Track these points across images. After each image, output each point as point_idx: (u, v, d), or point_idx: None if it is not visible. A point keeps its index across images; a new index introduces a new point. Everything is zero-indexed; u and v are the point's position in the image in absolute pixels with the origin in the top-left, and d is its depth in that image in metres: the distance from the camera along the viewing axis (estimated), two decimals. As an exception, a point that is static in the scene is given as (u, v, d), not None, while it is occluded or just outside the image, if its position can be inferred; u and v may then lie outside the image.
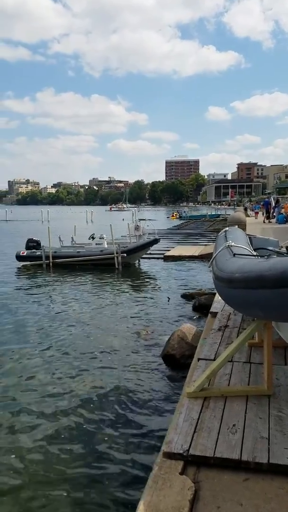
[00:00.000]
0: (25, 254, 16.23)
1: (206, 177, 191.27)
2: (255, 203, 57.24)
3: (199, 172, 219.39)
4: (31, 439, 4.22)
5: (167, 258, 17.64)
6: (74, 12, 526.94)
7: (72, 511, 3.25)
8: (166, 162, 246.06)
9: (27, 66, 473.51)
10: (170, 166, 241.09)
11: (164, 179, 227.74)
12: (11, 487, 3.49)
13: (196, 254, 17.89)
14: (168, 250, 19.36)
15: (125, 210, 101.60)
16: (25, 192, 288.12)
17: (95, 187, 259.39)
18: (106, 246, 16.42)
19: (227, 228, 6.05)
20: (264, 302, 2.88)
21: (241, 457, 2.79)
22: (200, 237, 29.00)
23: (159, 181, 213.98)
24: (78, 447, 4.08)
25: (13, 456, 3.95)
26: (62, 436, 4.29)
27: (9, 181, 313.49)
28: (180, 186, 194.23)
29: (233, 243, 4.32)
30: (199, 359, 4.36)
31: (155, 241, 16.37)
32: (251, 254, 4.21)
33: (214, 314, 5.92)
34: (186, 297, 10.42)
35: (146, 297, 11.03)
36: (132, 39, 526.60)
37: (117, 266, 15.25)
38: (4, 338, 7.53)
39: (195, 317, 8.64)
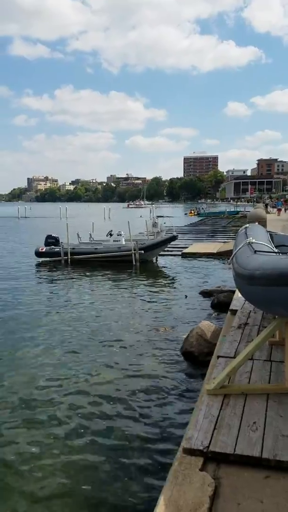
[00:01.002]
0: (44, 250, 16.44)
1: (225, 173, 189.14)
2: (276, 200, 56.28)
3: (218, 168, 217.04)
4: (50, 434, 4.28)
5: (185, 255, 17.58)
6: (93, 9, 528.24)
7: (92, 505, 3.28)
8: (185, 159, 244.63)
9: (45, 64, 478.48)
10: (189, 162, 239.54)
11: (182, 175, 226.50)
12: (31, 483, 3.53)
13: (215, 251, 17.75)
14: (186, 247, 19.27)
15: (142, 207, 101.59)
16: (43, 189, 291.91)
17: (112, 184, 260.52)
18: (123, 243, 16.47)
19: (247, 225, 5.98)
20: (286, 300, 2.85)
21: (261, 454, 2.77)
22: (219, 234, 28.75)
23: (177, 178, 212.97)
24: (97, 441, 4.12)
25: (34, 450, 4.02)
26: (81, 430, 4.34)
27: (28, 178, 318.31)
28: (198, 182, 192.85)
29: (254, 240, 4.28)
30: (218, 357, 4.34)
31: (173, 238, 16.31)
32: (272, 251, 4.16)
33: (234, 312, 5.87)
34: (205, 294, 10.37)
35: (163, 294, 11.03)
36: (150, 35, 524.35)
37: (134, 263, 15.28)
38: (24, 332, 7.66)
39: (213, 315, 8.60)
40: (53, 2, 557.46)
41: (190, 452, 2.95)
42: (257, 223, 7.16)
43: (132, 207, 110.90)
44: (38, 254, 16.48)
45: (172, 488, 2.64)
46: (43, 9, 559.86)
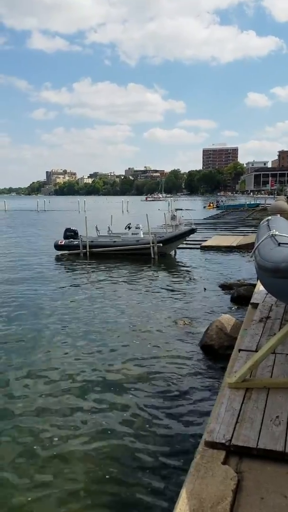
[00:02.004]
0: (63, 243, 16.56)
1: (245, 165, 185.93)
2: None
3: (238, 160, 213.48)
4: (68, 424, 4.31)
5: (204, 248, 17.44)
6: (111, 1, 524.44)
7: (113, 498, 3.29)
8: (204, 151, 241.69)
9: (64, 57, 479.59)
10: (208, 154, 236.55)
11: (201, 168, 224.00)
12: (49, 473, 3.57)
13: (234, 244, 17.55)
14: (205, 240, 19.11)
15: (161, 200, 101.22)
16: (62, 182, 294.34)
17: (130, 177, 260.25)
18: (142, 235, 16.45)
19: (269, 217, 5.87)
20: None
21: (285, 449, 2.74)
22: (238, 227, 28.39)
23: (196, 170, 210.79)
24: (115, 432, 4.14)
25: (53, 439, 4.06)
26: (99, 421, 4.37)
27: (47, 172, 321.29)
28: (217, 175, 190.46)
29: (277, 232, 4.19)
30: (240, 350, 4.30)
31: (192, 231, 16.18)
32: (297, 243, 4.05)
33: (255, 305, 5.79)
34: (224, 287, 10.27)
35: (182, 287, 10.99)
36: (169, 26, 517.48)
37: (153, 256, 15.25)
38: (42, 323, 7.75)
39: (233, 308, 8.51)
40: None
41: (212, 445, 2.93)
42: (279, 216, 7.02)
43: (150, 200, 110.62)
44: (57, 247, 16.62)
45: (194, 481, 2.64)
46: (61, 2, 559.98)
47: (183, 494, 2.55)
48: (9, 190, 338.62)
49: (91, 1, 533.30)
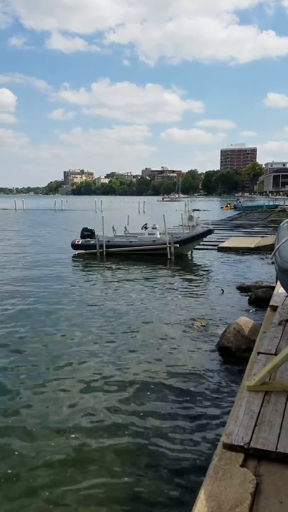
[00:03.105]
0: (80, 242, 16.65)
1: (263, 166, 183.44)
2: None
3: (256, 161, 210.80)
4: (85, 424, 4.33)
5: (221, 250, 17.31)
6: (130, 1, 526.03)
7: (130, 498, 3.30)
8: (222, 151, 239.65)
9: (83, 57, 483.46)
10: (226, 155, 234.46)
11: (219, 168, 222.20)
12: (70, 474, 3.59)
13: (252, 245, 17.35)
14: (223, 241, 18.96)
15: (177, 200, 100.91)
16: (79, 182, 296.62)
17: (147, 177, 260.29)
18: (158, 236, 16.44)
19: (289, 219, 5.79)
20: None
21: (305, 454, 2.70)
22: (256, 229, 28.05)
23: (214, 171, 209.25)
24: (134, 434, 4.14)
25: (72, 438, 4.09)
26: (118, 422, 4.38)
27: (64, 172, 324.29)
28: (235, 175, 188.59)
29: (298, 234, 4.13)
30: (259, 353, 4.26)
31: (209, 232, 16.08)
32: None
33: (274, 308, 5.73)
34: (242, 289, 10.17)
35: (199, 288, 10.94)
36: (188, 26, 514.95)
37: (169, 257, 15.22)
38: (59, 321, 7.82)
39: (251, 311, 8.42)
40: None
41: (230, 447, 2.92)
42: (299, 217, 6.91)
43: (166, 200, 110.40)
44: (74, 246, 16.73)
45: (212, 483, 2.63)
46: (80, 2, 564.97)
47: (201, 495, 2.55)
48: (28, 190, 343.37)
49: (110, 2, 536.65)
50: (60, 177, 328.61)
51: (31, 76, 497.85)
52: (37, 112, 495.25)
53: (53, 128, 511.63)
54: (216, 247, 17.67)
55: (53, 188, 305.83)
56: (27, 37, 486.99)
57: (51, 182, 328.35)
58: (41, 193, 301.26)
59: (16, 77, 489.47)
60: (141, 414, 4.52)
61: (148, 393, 4.98)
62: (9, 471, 3.62)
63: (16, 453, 3.88)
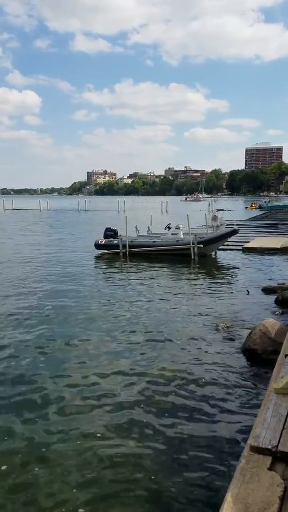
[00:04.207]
0: (103, 242, 16.73)
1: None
2: None
3: (282, 160, 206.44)
4: (108, 424, 4.35)
5: (246, 250, 17.07)
6: (154, 1, 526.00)
7: (155, 499, 3.30)
8: (246, 150, 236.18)
9: (106, 58, 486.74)
10: (251, 154, 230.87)
11: (244, 167, 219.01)
12: (94, 472, 3.61)
13: (278, 246, 17.03)
14: (247, 242, 18.69)
15: (200, 200, 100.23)
16: (102, 182, 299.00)
17: (170, 177, 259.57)
18: (182, 236, 16.36)
19: None
20: None
21: None
22: (282, 229, 27.49)
23: (238, 170, 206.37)
24: (159, 434, 4.14)
25: (93, 439, 4.12)
26: (142, 421, 4.39)
27: (87, 172, 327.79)
28: (260, 175, 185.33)
29: None
30: (286, 355, 4.19)
31: (234, 232, 15.88)
32: None
33: (302, 310, 5.60)
34: (268, 291, 10.00)
35: (223, 289, 10.82)
36: (212, 25, 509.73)
37: (193, 257, 15.12)
38: (82, 321, 7.87)
39: (277, 312, 8.27)
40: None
41: (258, 450, 2.89)
42: None
43: (190, 200, 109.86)
44: (98, 246, 16.83)
45: (240, 485, 2.61)
46: (104, 3, 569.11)
47: (228, 498, 2.53)
48: (52, 190, 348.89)
49: (134, 2, 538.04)
50: (84, 178, 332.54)
51: (55, 78, 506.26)
52: (61, 113, 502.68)
53: (77, 129, 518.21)
54: (240, 248, 17.44)
55: (76, 189, 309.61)
56: (51, 39, 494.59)
57: (74, 183, 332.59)
58: (64, 194, 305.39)
59: (41, 79, 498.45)
60: (166, 414, 4.53)
61: (173, 394, 4.97)
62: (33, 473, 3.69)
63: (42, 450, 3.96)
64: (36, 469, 3.66)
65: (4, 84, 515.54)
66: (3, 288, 10.82)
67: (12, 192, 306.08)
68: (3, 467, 3.67)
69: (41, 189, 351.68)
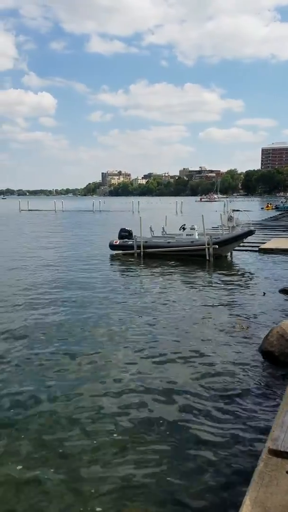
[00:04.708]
0: (117, 243, 16.73)
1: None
2: None
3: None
4: (121, 425, 4.35)
5: (262, 251, 16.86)
6: (169, 2, 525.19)
7: (173, 501, 3.29)
8: (263, 150, 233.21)
9: (121, 59, 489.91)
10: (267, 154, 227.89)
11: (260, 167, 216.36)
12: (114, 473, 3.62)
13: (295, 247, 16.77)
14: (264, 243, 18.48)
15: (215, 201, 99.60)
16: (117, 183, 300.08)
17: (185, 177, 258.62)
18: (197, 237, 16.26)
19: None
20: None
21: None
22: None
23: (254, 170, 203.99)
24: (176, 437, 4.12)
25: (106, 440, 4.13)
26: (158, 423, 4.38)
27: (102, 173, 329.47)
28: (277, 175, 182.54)
29: None
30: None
31: (250, 233, 15.70)
32: None
33: None
34: (285, 292, 9.86)
35: (239, 290, 10.72)
36: (227, 25, 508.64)
37: (208, 258, 15.02)
38: (96, 322, 7.88)
39: (294, 314, 8.15)
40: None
41: (276, 453, 2.85)
42: None
43: (204, 201, 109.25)
44: (112, 246, 16.85)
45: (258, 489, 2.58)
46: (119, 5, 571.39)
47: (247, 501, 2.51)
48: (66, 191, 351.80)
49: (149, 3, 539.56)
50: (98, 179, 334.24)
51: (70, 79, 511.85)
52: (76, 114, 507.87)
53: (91, 130, 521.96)
54: (257, 249, 17.25)
55: (91, 189, 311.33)
56: (67, 41, 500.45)
57: (89, 184, 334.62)
58: (79, 194, 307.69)
59: (56, 81, 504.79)
60: (182, 415, 4.51)
61: (189, 395, 4.95)
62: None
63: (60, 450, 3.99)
64: (53, 468, 3.68)
65: (20, 86, 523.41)
66: (20, 287, 10.96)
67: (27, 193, 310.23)
68: (20, 466, 3.72)
69: (56, 190, 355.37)
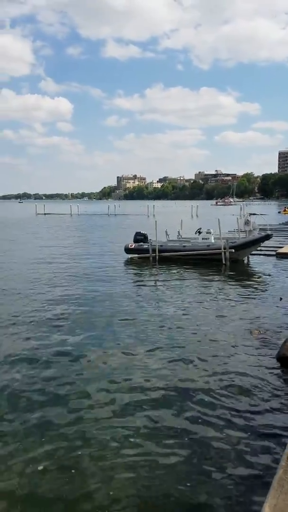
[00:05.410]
0: (133, 247, 16.76)
1: None
2: None
3: None
4: (138, 429, 4.34)
5: (280, 255, 16.66)
6: (185, 6, 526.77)
7: (190, 507, 3.27)
8: (280, 153, 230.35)
9: (137, 64, 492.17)
10: (284, 157, 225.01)
11: (277, 171, 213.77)
12: (133, 475, 3.64)
13: (313, 252, 16.51)
14: (281, 247, 18.25)
15: (231, 204, 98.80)
16: (132, 187, 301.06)
17: (200, 181, 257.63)
18: (213, 241, 16.19)
19: None
20: None
21: None
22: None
23: (271, 173, 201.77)
24: (193, 442, 4.10)
25: (119, 445, 4.10)
26: (176, 428, 4.36)
27: (117, 177, 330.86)
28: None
29: None
30: None
31: (267, 237, 15.53)
32: None
33: None
34: (302, 297, 9.71)
35: (256, 295, 10.61)
36: (243, 28, 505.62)
37: (224, 262, 14.91)
38: (110, 327, 7.87)
39: (312, 320, 8.02)
40: (144, 3, 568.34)
41: (296, 461, 2.81)
42: None
43: (220, 205, 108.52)
44: (127, 250, 16.88)
45: (278, 496, 2.56)
46: (135, 10, 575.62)
47: (266, 509, 2.49)
48: (82, 195, 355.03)
49: (164, 8, 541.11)
50: (113, 182, 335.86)
51: (86, 84, 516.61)
52: (92, 119, 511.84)
53: (107, 134, 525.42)
54: (274, 253, 17.06)
55: (106, 193, 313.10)
56: (83, 46, 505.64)
57: (104, 187, 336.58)
58: (94, 198, 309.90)
59: (73, 86, 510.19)
60: (200, 420, 4.49)
61: (206, 401, 4.91)
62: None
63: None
64: (72, 471, 3.71)
65: (37, 91, 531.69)
66: (35, 290, 11.12)
67: (44, 197, 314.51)
68: (44, 464, 3.77)
69: (71, 194, 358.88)
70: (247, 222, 16.89)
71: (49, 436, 4.23)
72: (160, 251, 15.97)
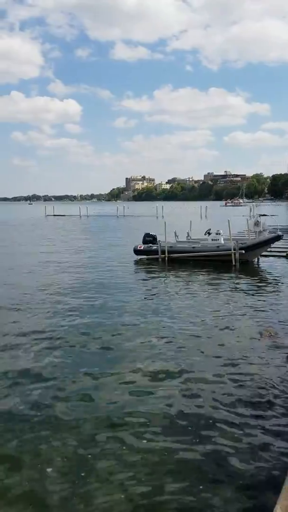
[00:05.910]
0: (142, 248, 16.76)
1: None
2: None
3: None
4: (156, 430, 4.36)
5: (290, 257, 16.53)
6: (194, 7, 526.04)
7: (203, 508, 3.27)
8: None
9: (145, 65, 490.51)
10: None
11: (287, 172, 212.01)
12: (141, 478, 3.62)
13: None
14: (291, 248, 18.10)
15: (241, 205, 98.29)
16: (141, 188, 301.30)
17: (209, 182, 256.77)
18: (222, 242, 16.12)
19: None
20: None
21: None
22: None
23: (281, 174, 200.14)
24: (205, 444, 4.08)
25: (130, 447, 4.11)
26: (187, 430, 4.36)
27: (126, 178, 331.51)
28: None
29: None
30: None
31: (278, 238, 15.43)
32: None
33: None
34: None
35: (266, 296, 10.55)
36: (253, 29, 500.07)
37: (234, 263, 14.85)
38: (119, 328, 7.85)
39: None
40: (153, 4, 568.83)
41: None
42: None
43: (230, 205, 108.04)
44: (136, 251, 16.88)
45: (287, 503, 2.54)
46: (143, 11, 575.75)
47: (277, 510, 2.48)
48: (91, 196, 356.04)
49: (173, 9, 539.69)
50: (122, 184, 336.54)
51: (95, 86, 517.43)
52: (101, 121, 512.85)
53: (116, 136, 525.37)
54: (284, 254, 16.93)
55: (115, 195, 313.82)
56: (92, 48, 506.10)
57: (113, 189, 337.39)
58: (103, 200, 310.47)
59: (82, 88, 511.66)
60: (210, 421, 4.49)
61: (217, 403, 4.90)
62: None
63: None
64: (84, 473, 3.72)
65: (46, 93, 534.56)
66: (46, 291, 11.20)
67: (53, 199, 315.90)
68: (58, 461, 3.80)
69: (80, 195, 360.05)
70: (257, 223, 16.77)
71: (53, 438, 4.25)
72: (169, 252, 15.95)
